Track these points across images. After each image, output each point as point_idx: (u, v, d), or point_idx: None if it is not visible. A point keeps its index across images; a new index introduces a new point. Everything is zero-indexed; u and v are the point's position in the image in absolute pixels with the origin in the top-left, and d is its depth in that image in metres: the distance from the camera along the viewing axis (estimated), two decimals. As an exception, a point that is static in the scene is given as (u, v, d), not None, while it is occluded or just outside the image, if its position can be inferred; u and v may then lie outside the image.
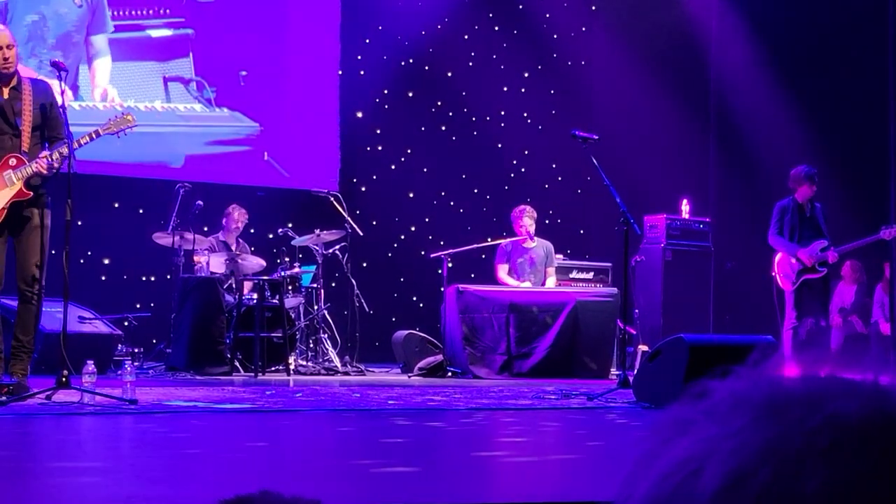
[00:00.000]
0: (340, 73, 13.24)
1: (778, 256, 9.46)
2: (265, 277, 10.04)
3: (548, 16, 14.50)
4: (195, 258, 9.82)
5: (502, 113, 14.27)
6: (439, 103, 13.95)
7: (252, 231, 10.79)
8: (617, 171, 9.53)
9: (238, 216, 10.60)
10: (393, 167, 13.60)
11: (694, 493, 0.52)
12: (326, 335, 10.49)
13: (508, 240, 10.86)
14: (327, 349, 10.40)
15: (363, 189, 13.37)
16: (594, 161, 8.11)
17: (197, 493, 3.07)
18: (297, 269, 10.34)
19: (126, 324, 10.48)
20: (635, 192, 11.18)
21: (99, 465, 3.89)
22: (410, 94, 13.83)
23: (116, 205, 11.94)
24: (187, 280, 9.73)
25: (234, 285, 10.02)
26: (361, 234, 10.88)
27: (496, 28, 14.30)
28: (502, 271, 10.75)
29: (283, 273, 10.05)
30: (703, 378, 0.59)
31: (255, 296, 9.90)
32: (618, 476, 0.60)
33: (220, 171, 12.36)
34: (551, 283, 10.77)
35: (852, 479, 0.50)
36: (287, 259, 10.22)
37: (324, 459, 4.26)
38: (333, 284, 11.33)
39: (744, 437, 0.53)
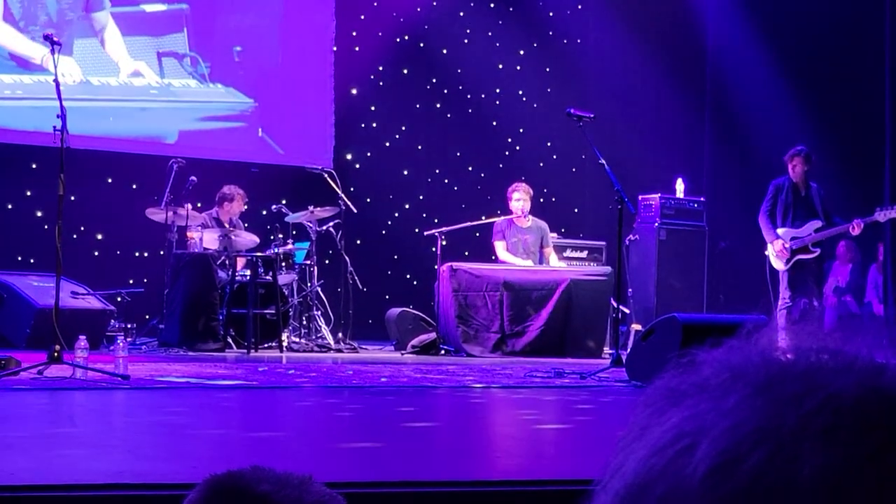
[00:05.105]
0: (335, 49, 13.18)
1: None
2: (258, 254, 10.02)
3: (544, -7, 14.45)
4: (188, 234, 9.79)
5: (497, 91, 14.22)
6: (434, 80, 13.90)
7: (246, 207, 10.77)
8: (612, 150, 9.52)
9: (241, 203, 10.52)
10: (387, 144, 13.57)
11: (685, 471, 0.51)
12: (319, 312, 10.48)
13: (503, 217, 10.84)
14: (320, 326, 10.39)
15: (357, 166, 13.34)
16: (589, 139, 8.10)
17: (188, 469, 3.07)
18: (290, 246, 10.32)
19: (119, 299, 10.47)
20: (630, 171, 11.17)
21: (90, 439, 3.88)
22: (405, 71, 13.78)
23: (110, 180, 11.90)
24: (180, 256, 9.70)
25: (227, 261, 10.00)
26: (355, 211, 10.86)
27: (491, 5, 14.25)
28: (500, 248, 10.71)
29: (276, 250, 10.04)
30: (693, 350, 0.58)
31: (248, 272, 9.89)
32: (608, 455, 0.59)
33: (214, 146, 12.31)
34: (554, 261, 10.75)
35: (849, 464, 0.49)
36: (280, 236, 10.20)
37: (316, 436, 4.26)
38: (327, 261, 11.31)
39: (737, 416, 0.51)
